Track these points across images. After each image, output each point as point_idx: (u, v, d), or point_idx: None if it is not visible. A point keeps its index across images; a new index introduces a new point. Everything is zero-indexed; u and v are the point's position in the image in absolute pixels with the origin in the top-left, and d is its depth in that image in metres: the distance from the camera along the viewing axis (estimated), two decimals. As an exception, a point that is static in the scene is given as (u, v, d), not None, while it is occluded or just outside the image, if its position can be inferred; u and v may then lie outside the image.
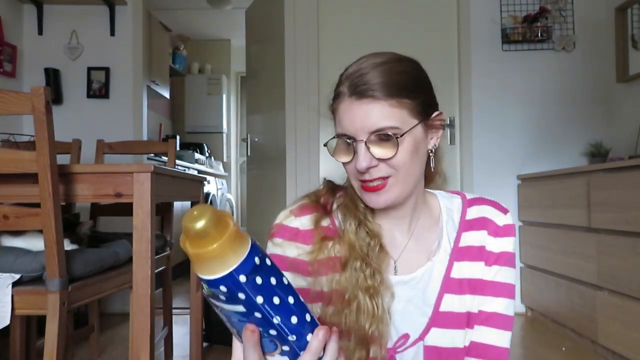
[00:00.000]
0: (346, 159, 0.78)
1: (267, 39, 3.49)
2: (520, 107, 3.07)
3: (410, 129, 0.76)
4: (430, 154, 0.83)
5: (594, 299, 2.20)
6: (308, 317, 0.57)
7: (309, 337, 0.57)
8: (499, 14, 3.07)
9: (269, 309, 0.53)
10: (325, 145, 0.81)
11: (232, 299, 0.51)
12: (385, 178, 0.76)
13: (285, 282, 0.56)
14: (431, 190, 0.91)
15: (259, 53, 3.65)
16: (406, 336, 0.83)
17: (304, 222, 0.83)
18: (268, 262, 0.54)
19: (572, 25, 3.05)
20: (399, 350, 0.83)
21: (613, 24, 2.96)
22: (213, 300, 0.54)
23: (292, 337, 0.56)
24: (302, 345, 0.57)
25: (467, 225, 0.86)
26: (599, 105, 3.06)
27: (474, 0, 3.07)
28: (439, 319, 0.82)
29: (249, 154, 3.78)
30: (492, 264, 0.84)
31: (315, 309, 0.82)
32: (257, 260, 0.52)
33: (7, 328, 1.36)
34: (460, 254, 0.84)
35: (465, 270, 0.84)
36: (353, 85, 0.76)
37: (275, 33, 3.30)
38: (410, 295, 0.83)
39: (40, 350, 1.43)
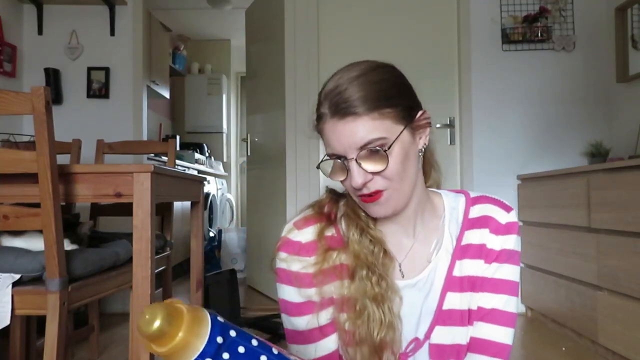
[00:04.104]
0: (341, 177, 0.78)
1: (267, 39, 3.49)
2: (520, 107, 3.07)
3: (397, 137, 0.76)
4: (420, 154, 0.83)
5: (594, 299, 2.20)
6: None
7: None
8: (499, 14, 3.07)
9: None
10: (317, 167, 0.83)
11: None
12: (381, 191, 0.77)
13: (255, 344, 0.56)
14: (436, 190, 0.91)
15: (259, 53, 3.65)
16: (417, 340, 0.84)
17: (306, 235, 0.84)
18: (232, 333, 0.54)
19: (572, 25, 3.05)
20: (410, 354, 0.84)
21: (613, 24, 2.96)
22: None
23: None
24: None
25: (470, 223, 0.87)
26: (599, 105, 3.06)
27: (474, 0, 3.07)
28: (442, 317, 0.84)
29: (249, 154, 3.78)
30: (492, 261, 0.84)
31: (326, 314, 0.83)
32: (219, 339, 0.52)
33: (7, 328, 1.36)
34: (461, 252, 0.85)
35: (467, 267, 0.85)
36: (334, 105, 0.76)
37: (275, 33, 3.30)
38: (418, 297, 0.85)
39: (40, 350, 1.43)
